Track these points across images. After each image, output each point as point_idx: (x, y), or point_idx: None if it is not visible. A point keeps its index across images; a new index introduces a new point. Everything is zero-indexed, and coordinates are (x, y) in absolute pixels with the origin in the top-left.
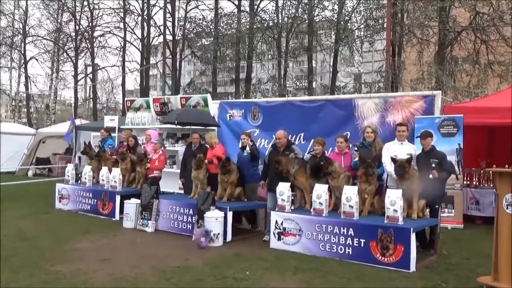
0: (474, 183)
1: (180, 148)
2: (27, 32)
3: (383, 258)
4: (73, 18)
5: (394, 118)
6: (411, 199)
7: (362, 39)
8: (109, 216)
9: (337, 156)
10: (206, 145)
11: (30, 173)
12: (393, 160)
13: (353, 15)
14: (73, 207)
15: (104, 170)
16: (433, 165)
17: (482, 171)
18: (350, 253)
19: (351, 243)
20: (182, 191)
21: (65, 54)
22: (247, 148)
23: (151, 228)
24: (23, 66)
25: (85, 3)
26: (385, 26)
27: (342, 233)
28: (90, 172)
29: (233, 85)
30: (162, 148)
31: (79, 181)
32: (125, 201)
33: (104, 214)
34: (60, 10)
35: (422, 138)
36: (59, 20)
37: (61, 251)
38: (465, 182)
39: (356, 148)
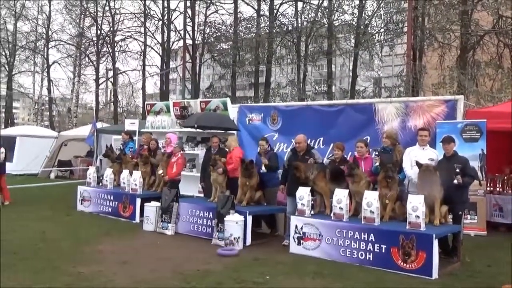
0: (498, 189)
1: (200, 151)
2: (50, 36)
3: (404, 264)
4: (94, 23)
5: (415, 122)
6: (433, 205)
7: (382, 43)
8: (129, 218)
9: (357, 161)
10: (226, 149)
11: (52, 175)
12: (418, 164)
13: (373, 19)
14: (94, 209)
15: (125, 173)
16: (457, 170)
17: (505, 177)
18: (371, 259)
19: (371, 249)
20: (201, 195)
21: (86, 58)
22: (263, 167)
23: (171, 231)
24: (46, 70)
25: (107, 8)
26: (405, 30)
27: (362, 238)
28: (111, 175)
29: (252, 89)
30: (181, 152)
31: (100, 184)
32: (145, 204)
33: (125, 217)
34: (82, 15)
35: (446, 143)
36: (81, 25)
37: (82, 253)
38: (488, 188)
39: (377, 153)
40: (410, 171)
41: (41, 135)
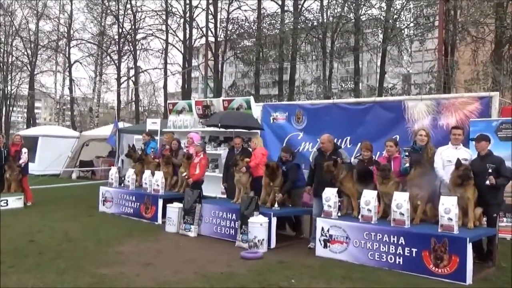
0: None
1: (223, 151)
2: (71, 35)
3: (436, 269)
4: (116, 21)
5: (447, 121)
6: (466, 207)
7: (411, 38)
8: (151, 220)
9: (385, 161)
10: (250, 149)
11: (74, 176)
12: (458, 164)
13: (402, 13)
14: (116, 210)
15: (147, 173)
16: (490, 171)
17: None
18: (401, 263)
19: (402, 253)
20: (224, 196)
21: (108, 57)
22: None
23: (194, 232)
24: (68, 69)
25: (128, 6)
26: (436, 24)
27: (392, 241)
28: (133, 176)
29: (276, 87)
30: (203, 152)
31: (122, 184)
32: (167, 205)
33: (147, 218)
34: (103, 14)
35: (477, 142)
36: (102, 24)
37: (105, 254)
38: None
39: (407, 153)
40: (442, 171)
41: (63, 135)
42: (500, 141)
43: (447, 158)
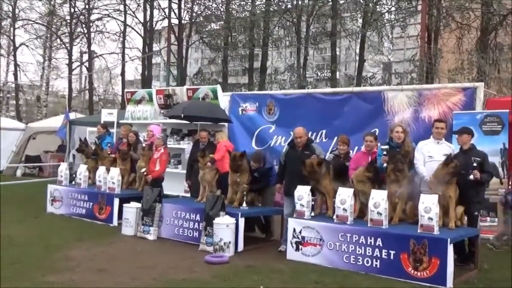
0: None
1: (187, 146)
2: (16, 15)
3: (415, 272)
4: (67, 0)
5: (430, 113)
6: (447, 206)
7: (393, 24)
8: (106, 221)
9: (364, 156)
10: (215, 143)
11: (18, 173)
12: (448, 160)
13: None
14: (66, 210)
15: (101, 170)
16: (475, 165)
17: None
18: (378, 266)
19: (379, 255)
20: (187, 194)
21: (58, 40)
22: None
23: (153, 235)
24: (12, 53)
25: None
26: (419, 8)
27: (369, 243)
28: (85, 172)
29: (246, 75)
30: (164, 146)
31: (73, 182)
32: (124, 205)
33: (101, 219)
34: None
35: (458, 135)
36: (52, 2)
37: (53, 260)
38: (510, 187)
39: (385, 152)
40: (423, 168)
41: (6, 127)
42: (485, 135)
43: (428, 154)
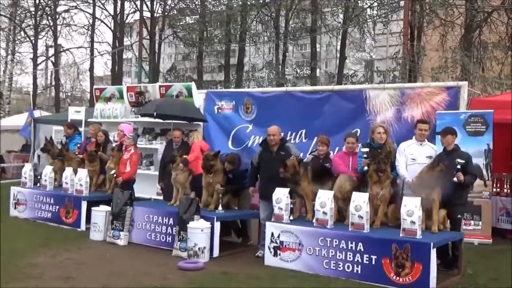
0: (506, 190)
1: (159, 146)
2: None
3: (397, 278)
4: None
5: (412, 113)
6: (430, 209)
7: (375, 19)
8: (73, 226)
9: (345, 157)
10: (190, 144)
11: None
12: (434, 163)
13: None
14: (30, 214)
15: (68, 171)
16: (458, 167)
17: None
18: (359, 271)
19: (360, 260)
20: (160, 197)
21: (22, 32)
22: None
23: (124, 240)
24: None
25: None
26: (402, 4)
27: (349, 248)
28: (51, 174)
29: (222, 72)
30: (134, 146)
31: (38, 184)
32: (92, 208)
33: (68, 224)
34: None
35: (442, 135)
36: None
37: (16, 267)
38: (494, 190)
39: (365, 155)
40: (404, 170)
41: None
42: (468, 136)
43: (411, 156)
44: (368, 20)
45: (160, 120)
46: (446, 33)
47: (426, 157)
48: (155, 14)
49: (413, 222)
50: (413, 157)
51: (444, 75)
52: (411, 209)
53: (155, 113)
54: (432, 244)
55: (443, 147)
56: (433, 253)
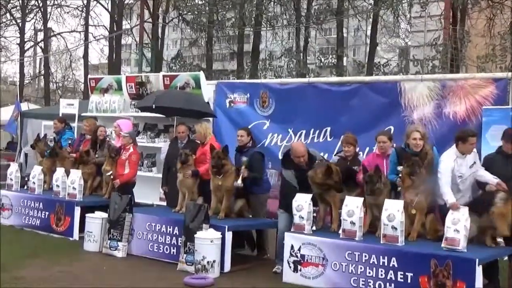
0: None
1: (163, 144)
2: None
3: None
4: None
5: (455, 108)
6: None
7: (411, 1)
8: (65, 234)
9: (378, 159)
10: (197, 141)
11: None
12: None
13: None
14: (17, 221)
15: (60, 172)
16: None
17: None
18: None
19: (393, 278)
20: (164, 203)
21: (8, 14)
22: (239, 181)
23: (122, 251)
24: None
25: None
26: None
27: (381, 263)
28: (40, 175)
29: (235, 60)
30: (133, 144)
31: (25, 187)
32: (87, 215)
33: (59, 232)
34: None
35: (505, 140)
36: None
37: (0, 281)
38: None
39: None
40: (448, 188)
41: None
42: None
43: (458, 173)
44: (403, 1)
45: (162, 115)
46: (494, 16)
47: (469, 167)
48: None
49: (457, 231)
50: (461, 174)
51: (492, 65)
52: (457, 217)
53: (154, 106)
54: (477, 260)
55: (499, 150)
56: (479, 270)
